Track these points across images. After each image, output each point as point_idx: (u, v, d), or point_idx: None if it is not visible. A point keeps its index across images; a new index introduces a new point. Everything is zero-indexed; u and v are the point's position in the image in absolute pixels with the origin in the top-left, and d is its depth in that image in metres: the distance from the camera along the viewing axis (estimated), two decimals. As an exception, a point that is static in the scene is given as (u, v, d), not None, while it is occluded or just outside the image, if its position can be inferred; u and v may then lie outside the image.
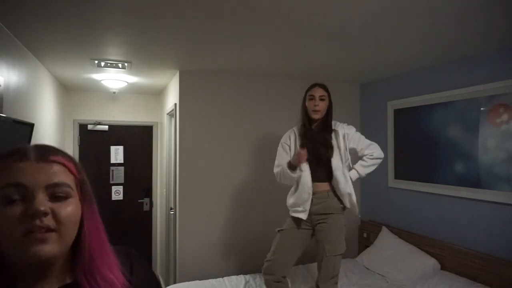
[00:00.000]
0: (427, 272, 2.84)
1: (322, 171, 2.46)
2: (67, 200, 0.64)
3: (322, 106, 2.40)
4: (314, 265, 3.00)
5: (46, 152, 0.65)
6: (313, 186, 2.44)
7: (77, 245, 0.67)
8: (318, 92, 2.41)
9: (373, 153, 2.47)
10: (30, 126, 2.39)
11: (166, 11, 1.97)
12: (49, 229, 0.60)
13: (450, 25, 2.15)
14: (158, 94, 5.04)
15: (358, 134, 2.53)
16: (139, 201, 5.03)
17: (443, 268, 2.86)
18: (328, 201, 2.45)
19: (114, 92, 4.61)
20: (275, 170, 2.59)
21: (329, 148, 2.42)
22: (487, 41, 2.44)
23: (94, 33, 2.33)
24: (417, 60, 2.97)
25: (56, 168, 0.64)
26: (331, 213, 2.45)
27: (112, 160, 4.92)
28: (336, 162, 2.42)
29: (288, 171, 2.38)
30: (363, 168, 2.48)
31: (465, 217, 2.78)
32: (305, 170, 2.43)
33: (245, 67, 3.30)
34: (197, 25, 2.19)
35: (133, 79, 3.92)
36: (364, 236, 3.80)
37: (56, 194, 0.63)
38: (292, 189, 2.59)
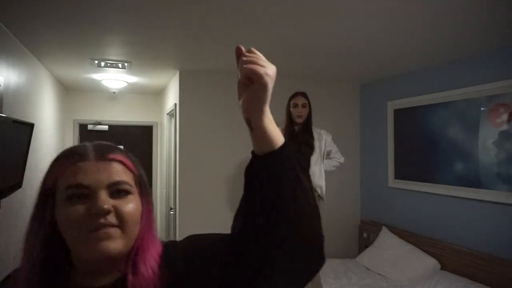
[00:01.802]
0: (427, 272, 2.84)
1: (304, 168, 2.81)
2: (127, 197, 0.65)
3: (304, 112, 2.79)
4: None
5: (105, 151, 0.66)
6: None
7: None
8: (301, 101, 2.79)
9: (340, 158, 3.04)
10: (30, 126, 2.39)
11: (166, 11, 1.97)
12: (113, 226, 0.61)
13: (450, 25, 2.15)
14: (158, 94, 5.04)
15: (332, 141, 3.07)
16: (139, 201, 5.03)
17: (443, 268, 2.86)
18: None
19: (114, 92, 4.61)
20: None
21: (311, 147, 2.84)
22: (487, 41, 2.44)
23: (94, 33, 2.33)
24: (417, 60, 2.97)
25: (116, 166, 0.65)
26: None
27: (112, 160, 4.92)
28: (315, 159, 2.87)
29: None
30: (330, 166, 3.01)
31: (465, 217, 2.78)
32: None
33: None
34: (197, 26, 2.19)
35: (133, 79, 3.92)
36: (364, 236, 3.80)
37: (118, 192, 0.64)
38: None
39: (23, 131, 2.29)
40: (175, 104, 3.59)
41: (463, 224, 2.79)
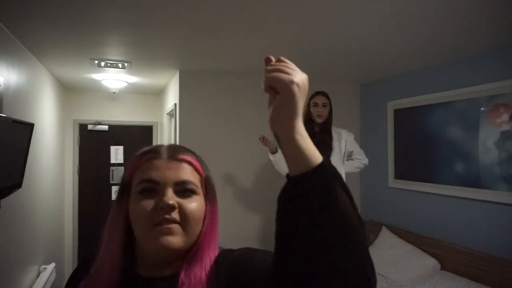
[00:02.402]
0: (427, 272, 2.83)
1: None
2: (192, 196, 0.69)
3: (325, 112, 2.72)
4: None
5: (177, 152, 0.72)
6: None
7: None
8: (321, 100, 2.73)
9: (363, 159, 2.94)
10: (30, 126, 2.38)
11: (166, 11, 1.97)
12: (175, 222, 0.65)
13: (450, 25, 2.15)
14: (158, 94, 5.04)
15: (354, 141, 2.99)
16: (139, 201, 5.02)
17: (443, 268, 2.85)
18: None
19: (114, 92, 4.61)
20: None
21: (329, 147, 2.73)
22: (487, 41, 2.44)
23: (94, 33, 2.33)
24: (417, 60, 2.96)
25: (184, 166, 0.70)
26: None
27: (112, 160, 4.92)
28: (335, 160, 2.74)
29: (269, 155, 2.81)
30: (352, 167, 2.92)
31: (465, 217, 2.78)
32: None
33: (245, 67, 3.30)
34: (197, 25, 2.19)
35: (133, 79, 3.92)
36: (364, 236, 3.80)
37: (183, 191, 0.68)
38: None
39: (23, 131, 2.29)
40: (175, 104, 3.59)
41: (463, 224, 2.79)
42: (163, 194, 0.66)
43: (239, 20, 2.11)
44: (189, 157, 0.72)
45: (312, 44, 2.56)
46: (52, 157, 3.78)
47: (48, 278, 3.05)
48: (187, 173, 0.69)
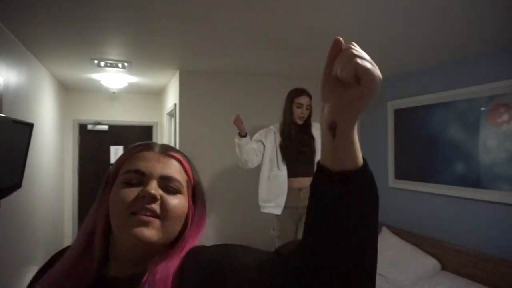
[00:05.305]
0: (428, 273, 2.83)
1: (306, 167, 2.70)
2: (176, 194, 0.66)
3: (307, 114, 2.67)
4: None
5: (169, 149, 0.71)
6: (299, 182, 2.72)
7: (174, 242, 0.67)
8: (306, 101, 2.65)
9: None
10: (30, 126, 2.38)
11: (166, 11, 1.97)
12: (154, 214, 0.62)
13: (450, 25, 2.15)
14: (158, 94, 5.04)
15: None
16: (139, 201, 5.02)
17: (443, 268, 2.85)
18: None
19: (114, 92, 4.61)
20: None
21: (312, 146, 2.71)
22: (487, 41, 2.44)
23: (94, 33, 2.33)
24: (417, 60, 2.96)
25: (173, 163, 0.68)
26: None
27: (112, 160, 4.92)
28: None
29: (237, 137, 2.69)
30: None
31: (465, 217, 2.78)
32: (282, 170, 2.72)
33: (245, 67, 3.29)
34: (197, 25, 2.19)
35: (133, 79, 3.92)
36: (364, 236, 3.80)
37: (167, 187, 0.65)
38: (264, 182, 2.78)
39: (23, 131, 2.29)
40: (175, 104, 3.59)
41: (464, 224, 2.79)
42: (146, 184, 0.63)
43: (239, 20, 2.10)
44: (179, 156, 0.71)
45: (312, 44, 2.56)
46: (52, 157, 3.77)
47: (48, 278, 3.04)
48: (175, 170, 0.68)
